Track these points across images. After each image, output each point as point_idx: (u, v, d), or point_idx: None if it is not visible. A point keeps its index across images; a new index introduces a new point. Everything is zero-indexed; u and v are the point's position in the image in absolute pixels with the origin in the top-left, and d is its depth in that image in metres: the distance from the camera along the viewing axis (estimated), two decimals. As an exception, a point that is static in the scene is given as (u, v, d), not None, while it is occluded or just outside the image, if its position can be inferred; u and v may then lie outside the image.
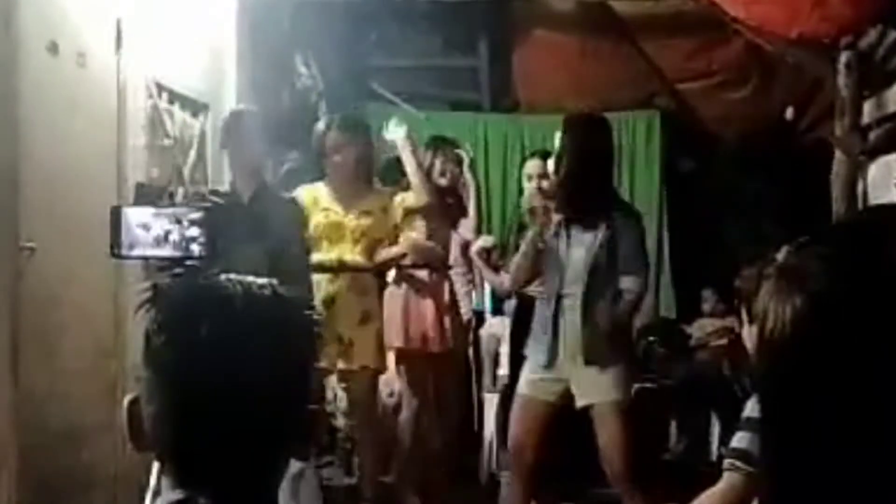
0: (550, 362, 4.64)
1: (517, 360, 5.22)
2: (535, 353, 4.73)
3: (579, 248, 4.67)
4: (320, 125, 5.46)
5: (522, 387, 4.76)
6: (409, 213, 5.56)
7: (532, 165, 5.52)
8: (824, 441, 1.41)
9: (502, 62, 7.93)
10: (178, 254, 3.11)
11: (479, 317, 6.74)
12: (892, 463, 1.34)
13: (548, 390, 4.67)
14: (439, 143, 5.87)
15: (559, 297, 4.65)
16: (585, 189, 4.71)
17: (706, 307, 7.77)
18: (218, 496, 1.37)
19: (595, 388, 4.57)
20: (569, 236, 4.69)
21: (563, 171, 4.73)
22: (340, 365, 5.26)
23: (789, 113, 7.06)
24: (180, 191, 5.42)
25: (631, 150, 8.15)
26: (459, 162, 5.94)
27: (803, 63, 6.63)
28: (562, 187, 4.77)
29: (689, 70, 7.49)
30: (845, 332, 1.39)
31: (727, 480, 2.85)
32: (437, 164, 5.74)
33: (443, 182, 5.73)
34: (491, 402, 6.51)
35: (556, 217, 4.74)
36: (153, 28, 5.19)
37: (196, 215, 3.26)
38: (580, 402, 4.60)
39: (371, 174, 5.58)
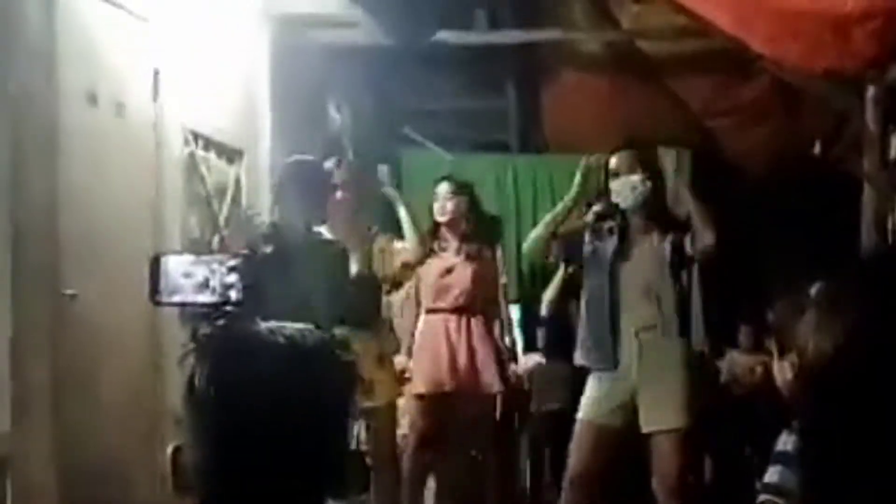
0: None
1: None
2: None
3: None
4: (328, 163, 5.47)
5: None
6: (405, 265, 5.66)
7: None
8: (866, 475, 1.42)
9: (530, 103, 7.98)
10: (216, 300, 3.18)
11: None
12: None
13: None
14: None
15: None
16: None
17: (742, 342, 7.74)
18: None
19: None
20: None
21: None
22: (365, 403, 5.35)
23: (816, 147, 7.07)
24: (215, 238, 5.50)
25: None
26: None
27: (829, 97, 6.66)
28: None
29: (715, 107, 7.51)
30: (886, 364, 1.42)
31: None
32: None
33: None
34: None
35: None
36: (189, 77, 5.28)
37: (233, 262, 3.33)
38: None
39: (370, 216, 5.71)
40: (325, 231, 5.09)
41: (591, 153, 7.04)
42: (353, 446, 1.55)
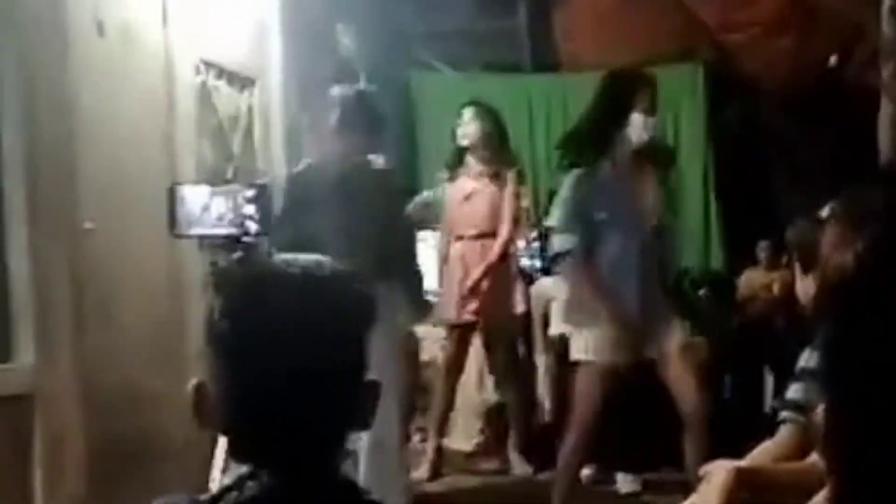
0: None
1: None
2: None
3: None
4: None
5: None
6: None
7: None
8: (889, 388, 1.42)
9: (542, 21, 7.90)
10: (234, 231, 3.18)
11: (529, 277, 6.77)
12: None
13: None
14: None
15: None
16: None
17: (762, 258, 7.73)
18: (282, 470, 1.42)
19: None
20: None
21: None
22: None
23: (833, 60, 7.00)
24: (230, 167, 5.49)
25: (675, 104, 8.11)
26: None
27: (845, 10, 6.57)
28: None
29: (730, 21, 7.43)
30: None
31: (783, 432, 2.84)
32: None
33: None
34: (541, 364, 6.55)
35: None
36: (198, 5, 5.22)
37: (251, 193, 3.33)
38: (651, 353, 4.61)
39: None
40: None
41: (605, 71, 6.99)
42: (370, 374, 1.55)
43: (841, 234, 1.47)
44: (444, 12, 7.64)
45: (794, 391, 2.84)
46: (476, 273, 5.81)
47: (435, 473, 5.93)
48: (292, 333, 1.41)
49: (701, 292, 7.54)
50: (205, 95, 5.39)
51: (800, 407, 2.78)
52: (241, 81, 5.81)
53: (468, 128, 5.86)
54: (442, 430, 6.05)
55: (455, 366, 6.00)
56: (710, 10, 7.50)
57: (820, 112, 7.17)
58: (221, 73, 5.58)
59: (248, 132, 5.84)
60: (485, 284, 5.82)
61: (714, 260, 8.15)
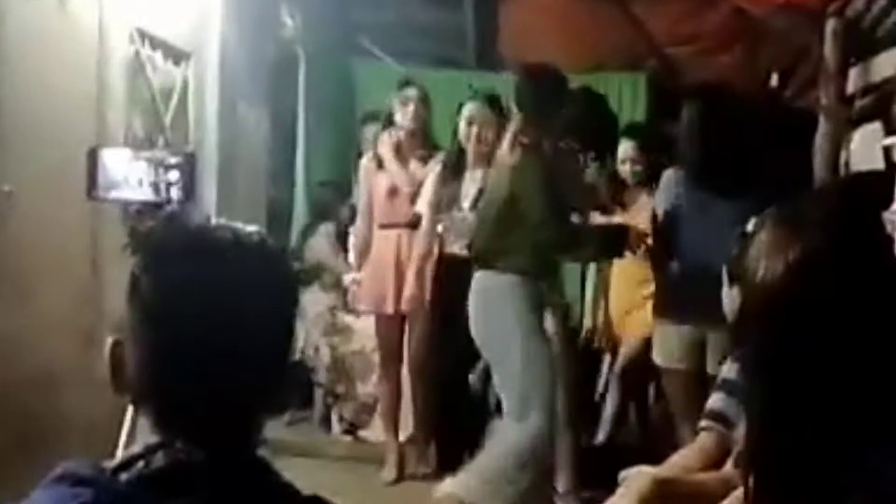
0: None
1: None
2: None
3: None
4: None
5: None
6: None
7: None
8: (815, 393, 1.40)
9: (488, 19, 7.84)
10: (157, 198, 3.08)
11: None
12: (880, 408, 1.34)
13: None
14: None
15: None
16: None
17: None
18: (194, 442, 1.37)
19: None
20: None
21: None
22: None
23: (774, 79, 7.04)
24: (161, 139, 5.38)
25: (616, 113, 8.10)
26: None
27: (790, 30, 6.60)
28: None
29: (676, 34, 7.43)
30: (835, 285, 1.40)
31: (701, 440, 2.83)
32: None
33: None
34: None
35: None
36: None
37: (175, 160, 3.23)
38: None
39: None
40: None
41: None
42: (293, 357, 1.48)
43: (772, 244, 1.47)
44: (390, 2, 7.57)
45: (714, 401, 2.83)
46: (408, 262, 5.69)
47: (401, 474, 5.77)
48: (218, 297, 1.37)
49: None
50: (138, 66, 5.28)
51: (719, 416, 2.77)
52: (177, 54, 5.70)
53: (406, 110, 5.77)
54: (395, 424, 5.90)
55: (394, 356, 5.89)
56: (657, 21, 7.50)
57: (758, 130, 7.21)
58: (156, 44, 5.47)
59: (182, 106, 5.73)
60: (412, 273, 5.68)
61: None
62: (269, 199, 7.30)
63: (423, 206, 5.64)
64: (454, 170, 5.52)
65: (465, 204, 5.43)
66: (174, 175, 3.20)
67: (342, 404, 6.62)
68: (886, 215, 1.28)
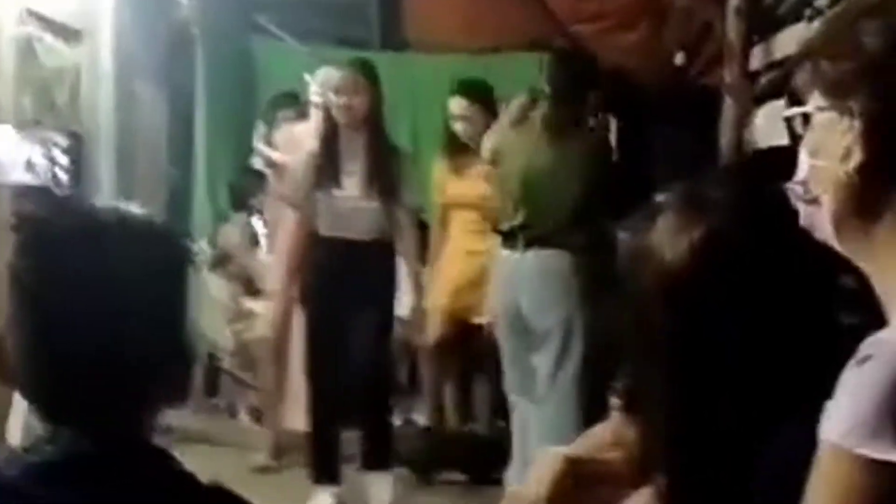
0: None
1: None
2: None
3: None
4: None
5: None
6: None
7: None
8: (720, 368, 1.40)
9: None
10: (42, 181, 2.96)
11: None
12: (787, 386, 1.34)
13: None
14: None
15: None
16: None
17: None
18: (83, 431, 1.33)
19: None
20: None
21: None
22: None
23: (679, 58, 7.07)
24: (52, 120, 5.22)
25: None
26: None
27: (693, 8, 6.66)
28: None
29: (581, 12, 7.43)
30: (740, 264, 1.39)
31: (614, 419, 2.82)
32: None
33: None
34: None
35: None
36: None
37: (65, 141, 3.10)
38: None
39: None
40: None
41: (454, 53, 6.91)
42: (188, 341, 1.46)
43: (674, 226, 1.46)
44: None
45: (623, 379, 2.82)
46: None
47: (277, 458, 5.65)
48: (95, 282, 1.32)
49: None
50: (28, 46, 5.12)
51: (628, 394, 2.75)
52: (69, 35, 5.54)
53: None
54: (278, 409, 5.76)
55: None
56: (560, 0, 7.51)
57: (665, 107, 7.25)
58: (47, 23, 5.30)
59: (75, 87, 5.57)
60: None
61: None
62: (170, 180, 7.13)
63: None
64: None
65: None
66: (62, 157, 3.07)
67: (248, 392, 6.52)
68: (789, 186, 1.27)
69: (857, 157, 1.17)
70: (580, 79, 4.95)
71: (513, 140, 4.94)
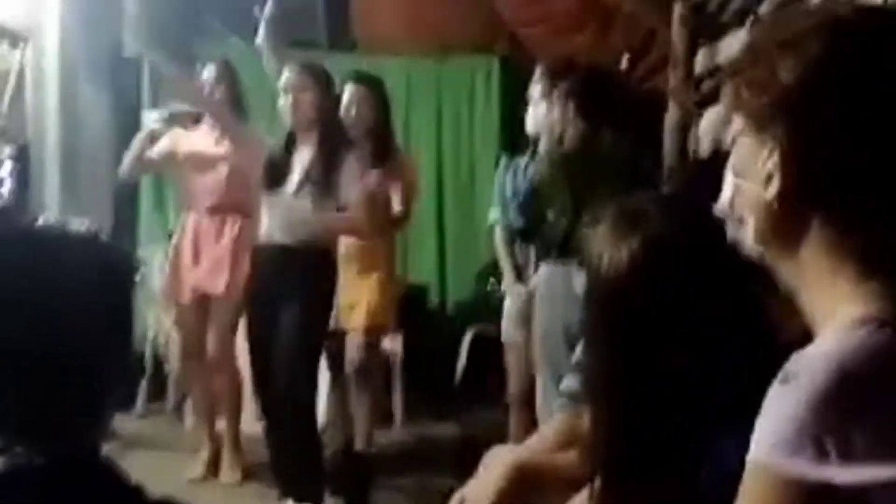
0: None
1: None
2: None
3: None
4: None
5: None
6: None
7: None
8: (654, 375, 1.43)
9: (339, 0, 7.77)
10: (-15, 192, 2.93)
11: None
12: (723, 397, 1.36)
13: None
14: None
15: None
16: None
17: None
18: (31, 446, 1.32)
19: None
20: None
21: None
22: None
23: (624, 62, 7.12)
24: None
25: (470, 97, 8.13)
26: None
27: (639, 12, 6.70)
28: None
29: (527, 15, 7.46)
30: (675, 272, 1.43)
31: (557, 420, 2.86)
32: None
33: None
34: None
35: None
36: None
37: (9, 151, 3.06)
38: None
39: None
40: None
41: (400, 55, 6.92)
42: (130, 348, 1.50)
43: (618, 229, 1.50)
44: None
45: (569, 380, 2.85)
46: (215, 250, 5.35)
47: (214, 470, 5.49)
48: (36, 295, 1.33)
49: (490, 280, 7.52)
50: (-31, 48, 5.05)
51: (574, 395, 2.79)
52: (13, 37, 5.47)
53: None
54: (211, 415, 5.60)
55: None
56: (506, 2, 7.53)
57: (609, 112, 7.30)
58: (-10, 26, 5.24)
59: (19, 92, 5.50)
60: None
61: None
62: (115, 186, 7.08)
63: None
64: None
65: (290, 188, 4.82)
66: (6, 167, 3.04)
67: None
68: (716, 206, 1.31)
69: (776, 184, 1.19)
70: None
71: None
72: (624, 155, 4.39)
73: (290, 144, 4.85)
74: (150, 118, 5.46)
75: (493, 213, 5.27)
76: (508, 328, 4.99)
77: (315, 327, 4.73)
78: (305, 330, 4.62)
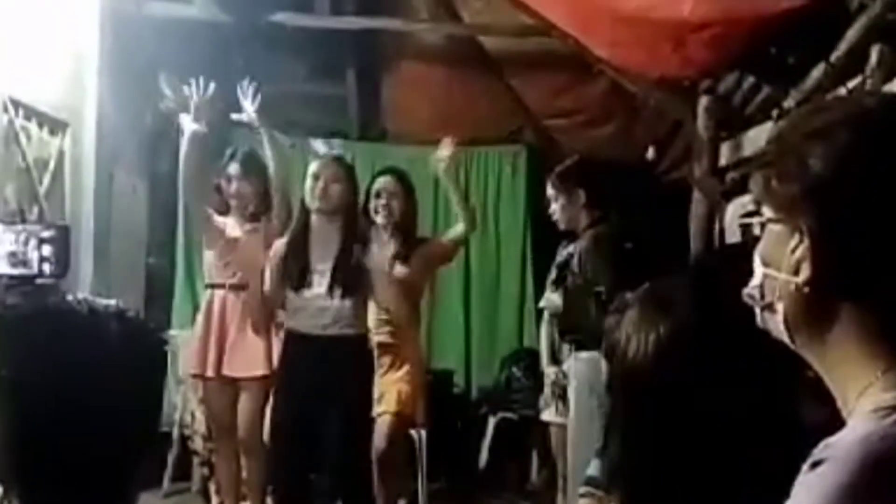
0: None
1: None
2: None
3: None
4: None
5: None
6: None
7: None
8: (682, 463, 1.42)
9: (370, 92, 7.88)
10: (28, 272, 2.98)
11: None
12: (750, 482, 1.36)
13: None
14: None
15: None
16: None
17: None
18: None
19: None
20: None
21: None
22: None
23: (650, 153, 7.20)
24: (35, 210, 5.23)
25: (497, 186, 8.17)
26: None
27: (664, 105, 6.78)
28: None
29: (554, 107, 7.56)
30: (704, 358, 1.43)
31: (582, 506, 2.83)
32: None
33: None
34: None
35: None
36: (9, 42, 5.01)
37: (48, 233, 3.14)
38: None
39: None
40: None
41: (429, 145, 7.03)
42: (160, 426, 1.53)
43: (645, 314, 1.50)
44: (273, 74, 7.52)
45: (593, 467, 2.84)
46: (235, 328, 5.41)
47: None
48: (70, 375, 1.35)
49: (513, 369, 7.54)
50: (11, 135, 5.16)
51: (598, 482, 2.77)
52: (53, 123, 5.58)
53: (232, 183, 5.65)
54: (237, 495, 5.61)
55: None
56: (534, 94, 7.62)
57: (635, 201, 7.36)
58: (31, 113, 5.36)
59: (58, 176, 5.60)
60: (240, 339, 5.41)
61: (527, 338, 8.10)
62: (149, 268, 7.16)
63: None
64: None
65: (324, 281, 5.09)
66: (47, 249, 3.10)
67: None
68: (745, 292, 1.33)
69: (806, 272, 1.20)
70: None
71: None
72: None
73: (302, 238, 5.12)
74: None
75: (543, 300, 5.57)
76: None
77: (364, 415, 4.98)
78: (357, 419, 4.88)
